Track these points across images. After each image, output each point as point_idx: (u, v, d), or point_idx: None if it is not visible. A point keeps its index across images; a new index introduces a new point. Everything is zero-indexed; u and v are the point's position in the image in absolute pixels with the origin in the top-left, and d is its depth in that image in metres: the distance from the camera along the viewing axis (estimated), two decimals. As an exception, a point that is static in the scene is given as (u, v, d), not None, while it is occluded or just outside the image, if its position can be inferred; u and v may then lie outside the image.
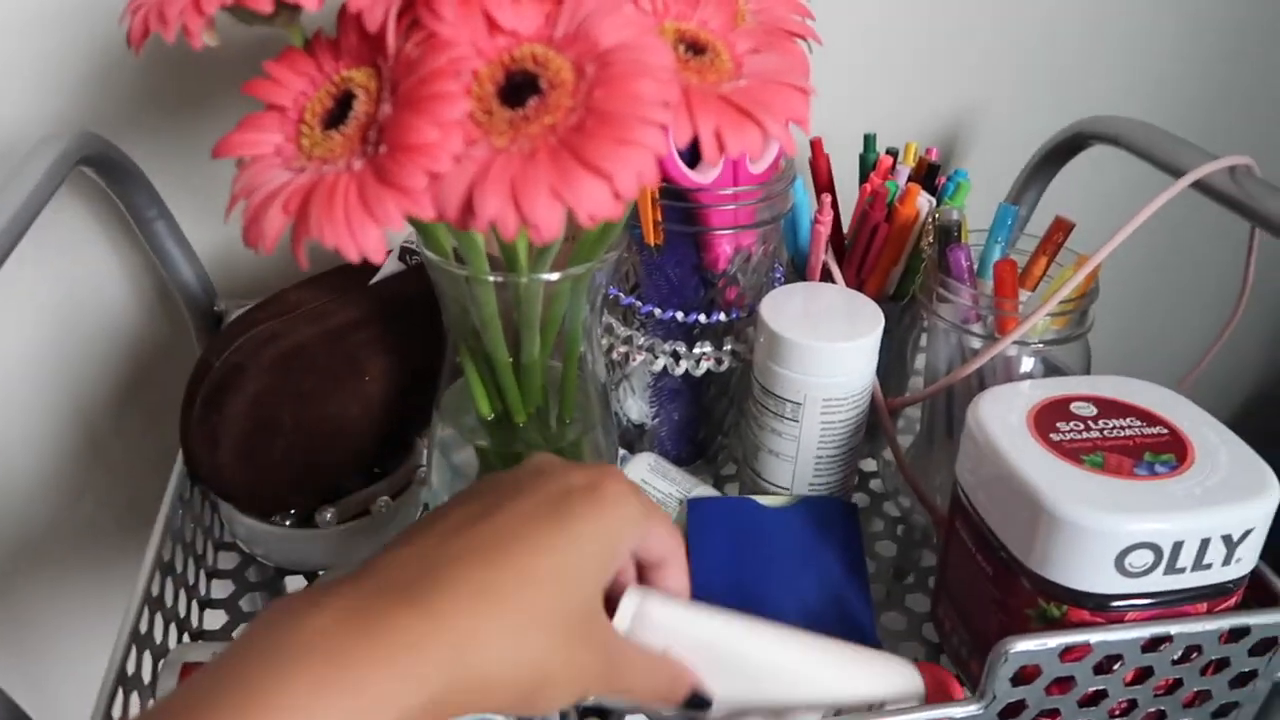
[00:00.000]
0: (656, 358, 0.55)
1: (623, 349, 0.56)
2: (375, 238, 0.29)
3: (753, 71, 0.33)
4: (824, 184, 0.61)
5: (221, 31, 0.34)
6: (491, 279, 0.40)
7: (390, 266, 0.54)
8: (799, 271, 0.59)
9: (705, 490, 0.54)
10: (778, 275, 0.57)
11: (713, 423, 0.60)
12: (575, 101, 0.29)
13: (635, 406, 0.59)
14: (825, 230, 0.56)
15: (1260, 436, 0.45)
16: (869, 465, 0.63)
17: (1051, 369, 0.54)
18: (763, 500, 0.51)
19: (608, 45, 0.30)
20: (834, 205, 0.61)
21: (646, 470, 0.56)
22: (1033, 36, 0.69)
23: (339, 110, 0.32)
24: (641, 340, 0.55)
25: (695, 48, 0.33)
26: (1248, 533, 0.40)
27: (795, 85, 0.33)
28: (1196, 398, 0.46)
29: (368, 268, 0.55)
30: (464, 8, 0.30)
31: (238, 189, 0.31)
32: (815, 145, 0.60)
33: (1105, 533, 0.39)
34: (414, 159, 0.28)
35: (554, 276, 0.40)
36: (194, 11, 0.31)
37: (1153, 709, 0.44)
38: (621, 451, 0.57)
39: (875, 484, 0.62)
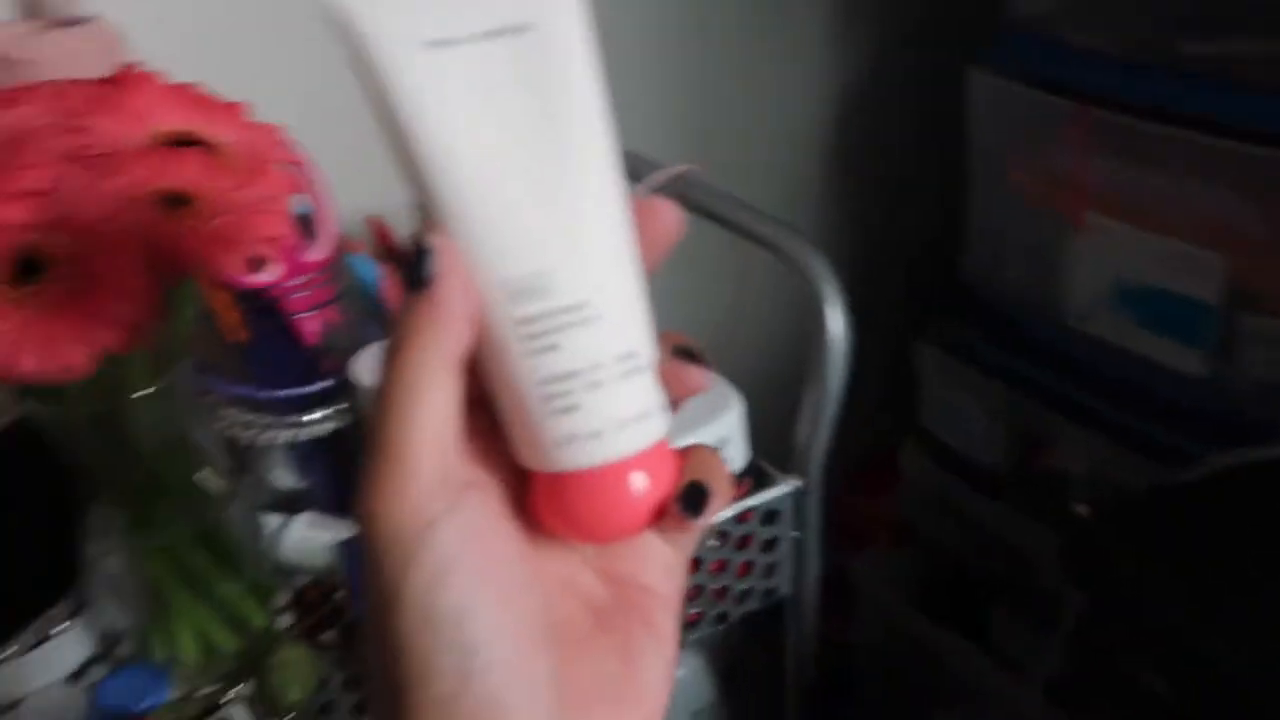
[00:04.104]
0: (280, 432, 0.64)
1: (250, 433, 0.64)
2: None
3: (234, 206, 0.43)
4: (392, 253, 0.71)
5: None
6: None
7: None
8: (393, 327, 0.70)
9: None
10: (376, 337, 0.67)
11: (355, 471, 0.69)
12: (74, 271, 0.38)
13: (283, 476, 0.68)
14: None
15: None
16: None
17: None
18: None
19: (90, 224, 0.38)
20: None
21: (307, 528, 0.65)
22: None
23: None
24: (265, 421, 0.64)
25: (179, 200, 0.42)
26: (725, 440, 0.54)
27: (271, 211, 0.43)
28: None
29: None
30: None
31: None
32: (371, 224, 0.71)
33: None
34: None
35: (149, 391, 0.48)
36: None
37: (715, 585, 0.58)
38: (282, 517, 0.66)
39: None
